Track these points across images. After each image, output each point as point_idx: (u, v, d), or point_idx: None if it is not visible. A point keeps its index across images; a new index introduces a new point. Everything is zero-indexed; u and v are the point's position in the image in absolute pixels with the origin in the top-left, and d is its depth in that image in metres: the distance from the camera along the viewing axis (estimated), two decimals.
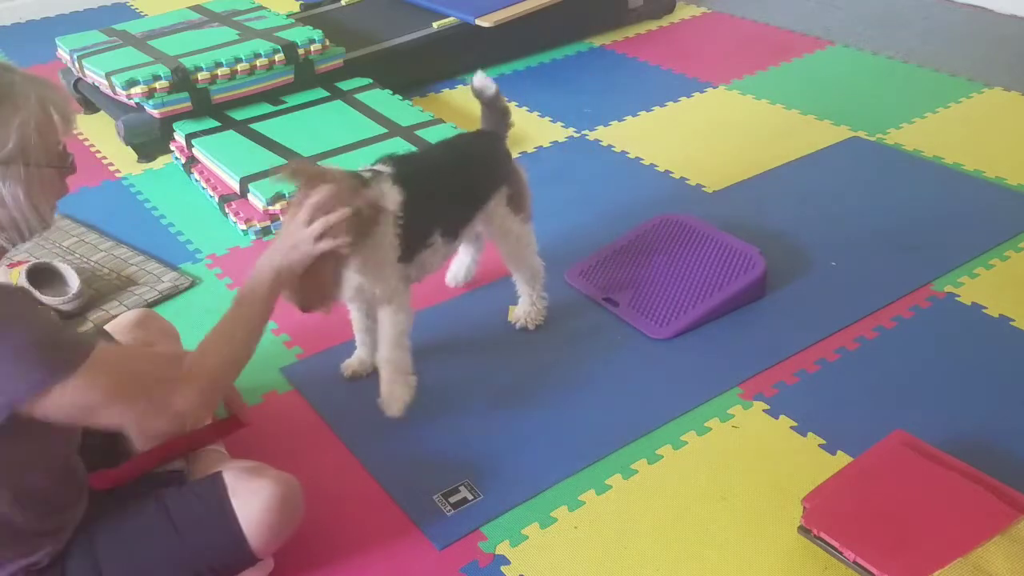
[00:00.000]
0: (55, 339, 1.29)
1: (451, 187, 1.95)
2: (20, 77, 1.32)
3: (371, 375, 2.05)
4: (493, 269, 2.40)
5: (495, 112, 2.11)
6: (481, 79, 2.07)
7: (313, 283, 1.62)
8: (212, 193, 2.82)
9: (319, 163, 2.76)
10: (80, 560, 1.44)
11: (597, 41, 3.91)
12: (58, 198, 1.40)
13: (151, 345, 1.84)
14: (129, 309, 2.33)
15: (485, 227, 2.09)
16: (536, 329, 2.21)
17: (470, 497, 1.77)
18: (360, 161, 2.75)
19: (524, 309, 2.22)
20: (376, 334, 1.92)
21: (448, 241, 1.97)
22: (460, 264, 2.35)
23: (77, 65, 3.24)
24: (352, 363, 2.09)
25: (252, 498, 1.51)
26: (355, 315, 2.04)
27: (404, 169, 1.84)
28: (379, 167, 1.85)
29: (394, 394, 1.85)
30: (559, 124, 3.22)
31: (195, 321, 2.30)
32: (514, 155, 2.97)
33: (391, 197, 1.78)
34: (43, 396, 1.25)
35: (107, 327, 1.87)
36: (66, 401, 1.27)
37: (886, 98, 3.30)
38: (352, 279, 1.81)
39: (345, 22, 3.73)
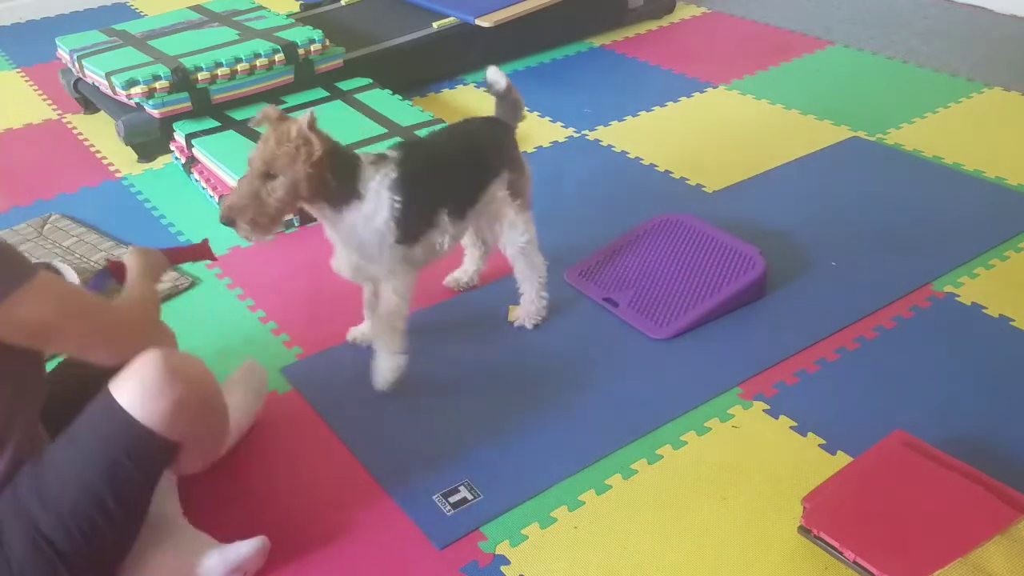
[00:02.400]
0: (8, 254, 1.34)
1: (456, 168, 2.01)
2: None
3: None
4: (493, 269, 2.40)
5: (507, 104, 2.15)
6: (494, 73, 2.12)
7: (255, 202, 1.78)
8: (212, 193, 2.82)
9: None
10: (8, 504, 1.43)
11: (597, 41, 3.91)
12: None
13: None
14: None
15: (484, 211, 2.10)
16: (536, 329, 2.21)
17: (470, 497, 1.77)
18: None
19: (525, 308, 2.22)
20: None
21: (455, 221, 2.00)
22: (464, 270, 2.36)
23: (77, 65, 3.24)
24: (355, 331, 2.20)
25: (127, 379, 1.46)
26: (365, 290, 2.11)
27: (408, 153, 1.93)
28: (388, 152, 1.93)
29: (379, 370, 2.01)
30: (559, 124, 3.22)
31: (195, 321, 2.31)
32: None
33: (387, 177, 1.87)
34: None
35: None
36: (20, 315, 1.33)
37: (886, 98, 3.30)
38: (350, 259, 1.94)
39: (345, 22, 3.73)
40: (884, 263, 2.40)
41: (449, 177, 1.99)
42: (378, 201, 1.85)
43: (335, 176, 1.82)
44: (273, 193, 1.78)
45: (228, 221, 1.79)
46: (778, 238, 2.50)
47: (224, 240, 2.66)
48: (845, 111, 3.19)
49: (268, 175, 1.77)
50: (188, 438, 1.52)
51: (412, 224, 1.90)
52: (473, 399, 2.02)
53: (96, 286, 1.75)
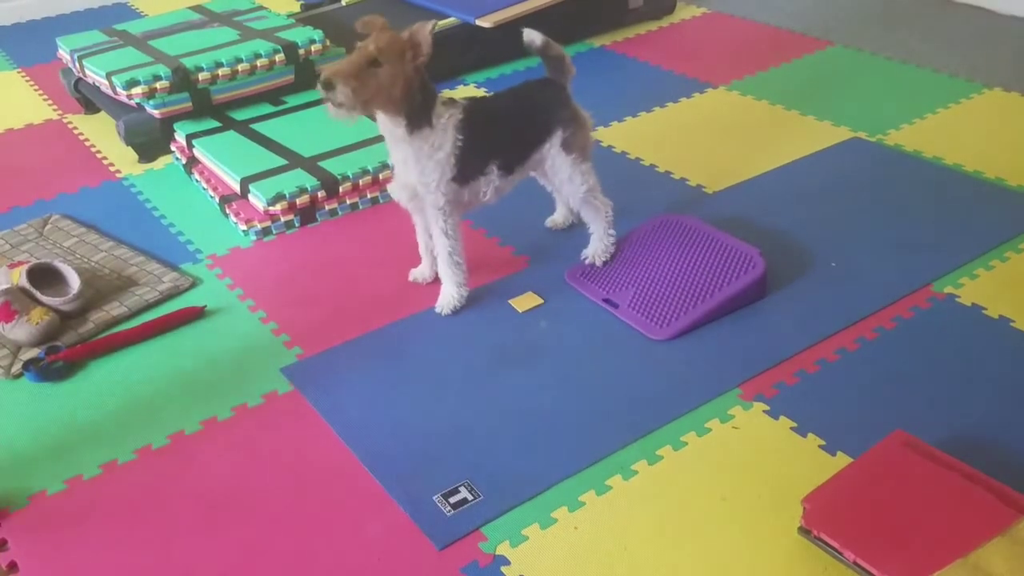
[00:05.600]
0: None
1: (510, 127, 2.20)
2: None
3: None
4: (495, 267, 2.40)
5: (552, 61, 2.27)
6: (529, 34, 2.24)
7: (358, 76, 1.90)
8: (213, 193, 2.82)
9: (320, 163, 2.78)
10: None
11: (597, 41, 3.91)
12: None
13: None
14: (130, 310, 2.34)
15: (538, 167, 2.28)
16: (535, 328, 2.21)
17: (470, 497, 1.77)
18: (361, 161, 2.77)
19: (594, 246, 2.38)
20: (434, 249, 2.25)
21: (503, 176, 2.20)
22: (560, 212, 2.57)
23: (77, 65, 3.24)
24: (415, 272, 2.40)
25: None
26: (417, 229, 2.32)
27: (473, 105, 2.14)
28: (457, 99, 2.13)
29: (444, 299, 2.26)
30: None
31: (194, 321, 2.31)
32: None
33: (454, 116, 2.07)
34: None
35: None
36: None
37: (886, 98, 3.30)
38: (407, 184, 2.12)
39: (346, 22, 3.73)
40: (884, 263, 2.40)
41: (503, 134, 2.19)
42: (444, 136, 2.05)
43: (421, 92, 2.00)
44: (375, 77, 1.92)
45: (328, 83, 1.87)
46: (778, 238, 2.50)
47: (224, 240, 2.66)
48: (845, 111, 3.19)
49: (375, 62, 1.91)
50: None
51: (467, 166, 2.10)
52: (473, 399, 2.02)
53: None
